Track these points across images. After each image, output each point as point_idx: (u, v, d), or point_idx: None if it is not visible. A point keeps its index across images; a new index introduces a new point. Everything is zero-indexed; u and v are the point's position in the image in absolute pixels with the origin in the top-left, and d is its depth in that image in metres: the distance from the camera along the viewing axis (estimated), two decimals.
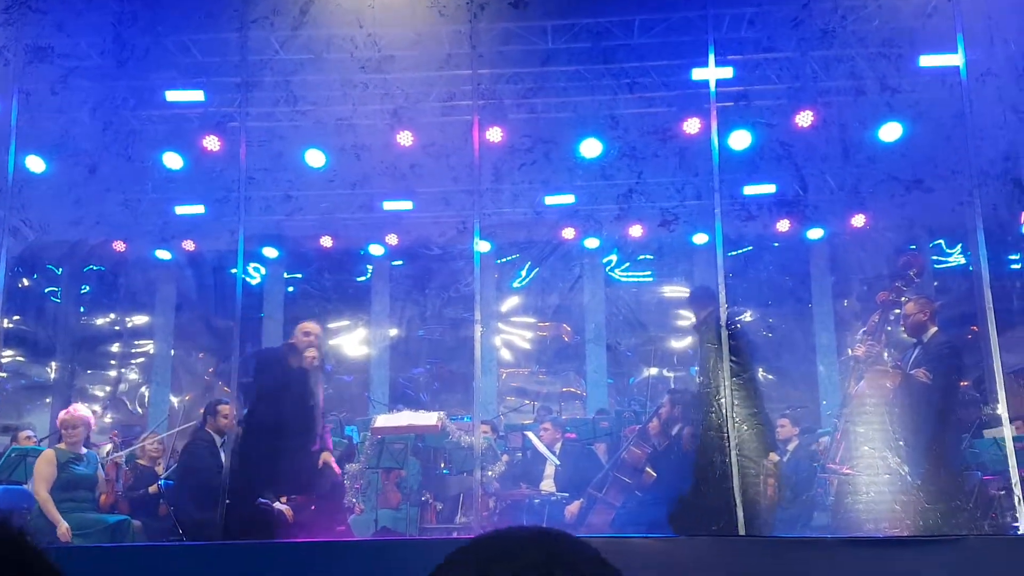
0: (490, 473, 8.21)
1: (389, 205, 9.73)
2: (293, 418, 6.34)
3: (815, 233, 10.01)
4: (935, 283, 9.08)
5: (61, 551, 5.68)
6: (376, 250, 11.05)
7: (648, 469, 7.29)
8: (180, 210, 9.64)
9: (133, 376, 11.58)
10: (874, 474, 6.09)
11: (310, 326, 6.66)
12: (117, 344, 11.52)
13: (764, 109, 7.84)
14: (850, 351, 6.63)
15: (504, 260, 11.11)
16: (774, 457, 7.74)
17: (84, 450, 6.93)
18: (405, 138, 7.96)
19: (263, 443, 6.25)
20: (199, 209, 9.48)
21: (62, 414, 7.05)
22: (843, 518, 6.24)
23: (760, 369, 6.27)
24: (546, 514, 7.58)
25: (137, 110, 8.28)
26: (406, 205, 9.68)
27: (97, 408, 10.75)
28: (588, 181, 8.78)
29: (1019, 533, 5.39)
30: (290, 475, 6.44)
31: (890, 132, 7.53)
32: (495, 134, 7.75)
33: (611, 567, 0.87)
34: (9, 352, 10.47)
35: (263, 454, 6.25)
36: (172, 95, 8.27)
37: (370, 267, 11.65)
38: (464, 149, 6.90)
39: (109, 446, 8.50)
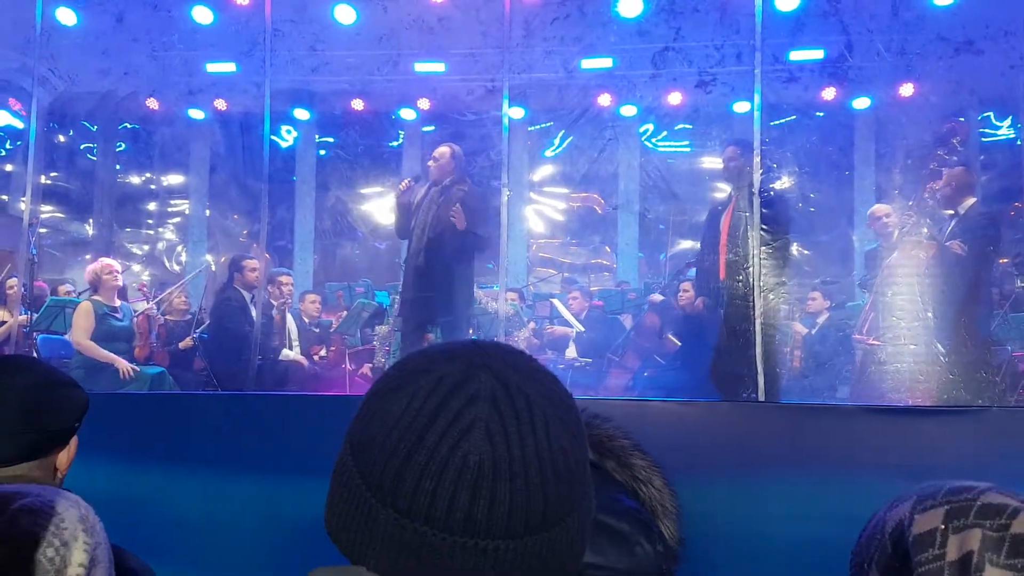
0: (517, 338, 8.32)
1: (421, 67, 9.48)
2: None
3: (861, 103, 9.61)
4: (981, 157, 8.73)
5: (104, 397, 5.90)
6: (408, 115, 10.87)
7: (670, 336, 7.31)
8: (211, 68, 9.51)
9: (170, 235, 11.74)
10: (901, 345, 6.03)
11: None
12: (153, 203, 11.64)
13: None
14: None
15: (536, 127, 10.87)
16: (801, 329, 7.72)
17: (118, 302, 7.09)
18: None
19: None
20: (230, 67, 9.34)
21: (91, 266, 7.17)
22: (866, 387, 6.22)
23: (794, 243, 6.10)
24: (568, 379, 7.69)
25: None
26: (438, 67, 9.43)
27: (136, 266, 10.99)
28: (624, 41, 8.42)
29: None
30: None
31: None
32: None
33: (544, 372, 0.83)
34: (48, 208, 10.65)
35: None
36: None
37: (401, 132, 11.51)
38: (494, 1, 6.62)
39: (143, 302, 8.68)
